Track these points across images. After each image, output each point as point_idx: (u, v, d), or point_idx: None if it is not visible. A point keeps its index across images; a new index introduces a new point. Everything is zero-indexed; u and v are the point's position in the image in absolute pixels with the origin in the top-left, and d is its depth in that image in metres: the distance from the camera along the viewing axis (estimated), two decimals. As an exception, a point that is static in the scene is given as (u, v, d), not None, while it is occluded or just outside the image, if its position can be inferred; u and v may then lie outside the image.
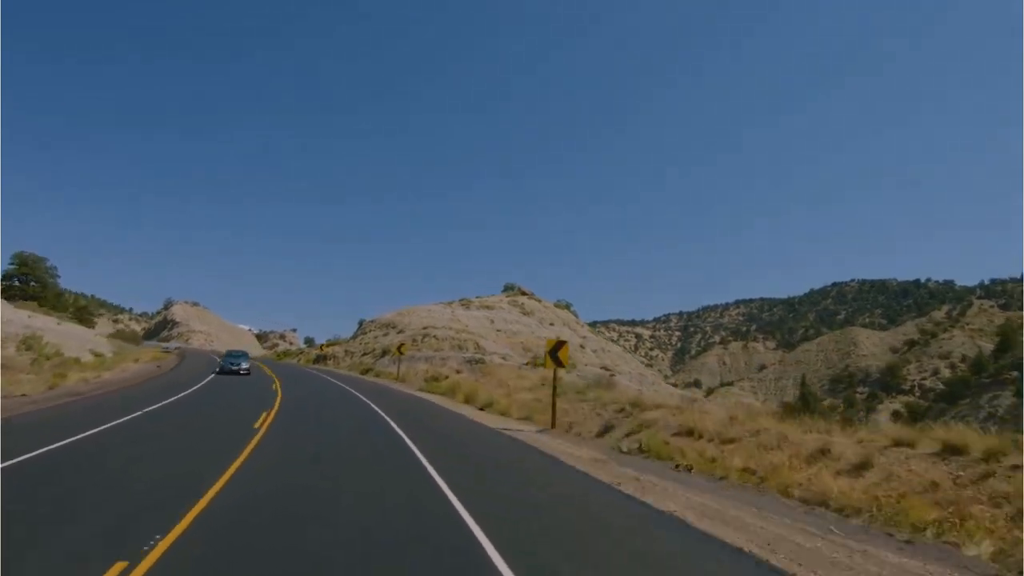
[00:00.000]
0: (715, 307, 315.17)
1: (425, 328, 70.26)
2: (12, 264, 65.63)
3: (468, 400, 26.72)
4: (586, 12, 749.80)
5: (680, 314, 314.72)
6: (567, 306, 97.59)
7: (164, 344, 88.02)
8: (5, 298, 63.57)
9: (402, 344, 41.99)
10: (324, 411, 19.92)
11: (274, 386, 29.03)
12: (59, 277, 69.89)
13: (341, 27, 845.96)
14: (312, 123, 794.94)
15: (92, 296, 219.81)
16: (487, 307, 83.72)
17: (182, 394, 22.79)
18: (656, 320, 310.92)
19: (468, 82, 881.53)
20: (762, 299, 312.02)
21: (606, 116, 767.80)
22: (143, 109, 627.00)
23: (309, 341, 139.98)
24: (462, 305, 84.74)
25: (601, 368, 50.99)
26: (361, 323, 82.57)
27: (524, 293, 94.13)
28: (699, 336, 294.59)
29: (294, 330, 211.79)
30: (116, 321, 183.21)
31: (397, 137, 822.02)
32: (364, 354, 67.78)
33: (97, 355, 41.72)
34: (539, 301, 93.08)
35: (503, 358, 50.60)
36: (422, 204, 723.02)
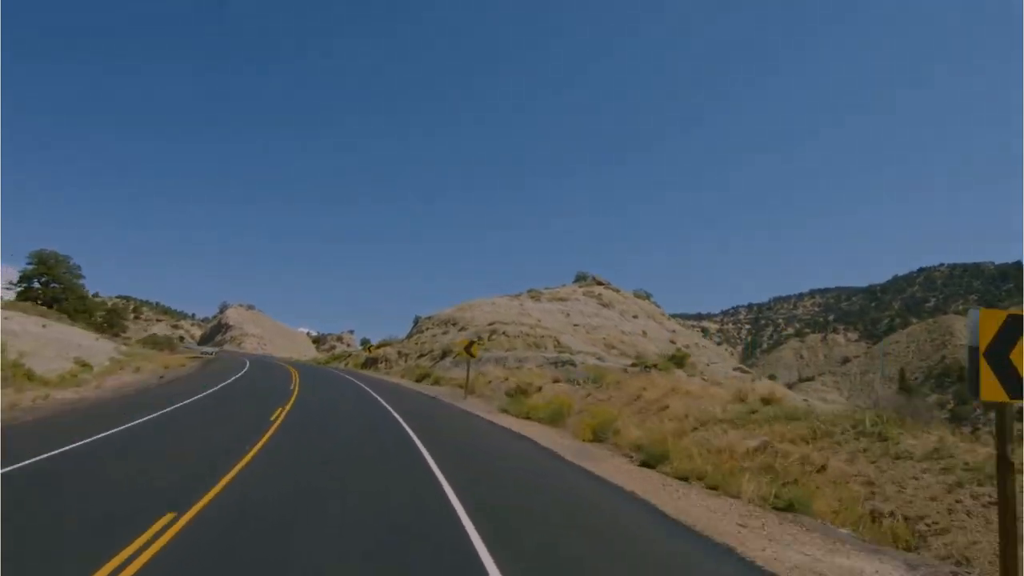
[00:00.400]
0: (787, 298, 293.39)
1: (491, 324, 58.86)
2: (30, 263, 57.76)
3: (598, 435, 14.86)
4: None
5: (749, 306, 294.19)
6: (647, 296, 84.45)
7: (206, 349, 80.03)
8: (22, 301, 55.83)
9: (472, 343, 30.49)
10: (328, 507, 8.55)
11: (274, 416, 17.87)
12: (83, 277, 61.96)
13: (407, 21, 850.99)
14: (364, 123, 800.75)
15: (157, 303, 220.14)
16: (560, 299, 71.66)
17: (85, 440, 11.78)
18: (724, 313, 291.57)
19: (516, 81, 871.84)
20: (839, 288, 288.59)
21: (668, 114, 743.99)
22: (195, 114, 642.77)
23: (365, 342, 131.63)
24: (531, 297, 72.96)
25: (740, 371, 38.02)
26: (417, 320, 71.81)
27: (600, 282, 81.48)
28: (771, 329, 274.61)
29: (351, 332, 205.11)
30: (176, 327, 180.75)
31: (440, 138, 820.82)
32: (420, 355, 56.97)
33: (83, 365, 32.13)
34: (617, 291, 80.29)
35: (598, 359, 38.52)
36: (476, 203, 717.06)
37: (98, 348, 38.84)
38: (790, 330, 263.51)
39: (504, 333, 53.18)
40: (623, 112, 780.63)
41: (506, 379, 30.77)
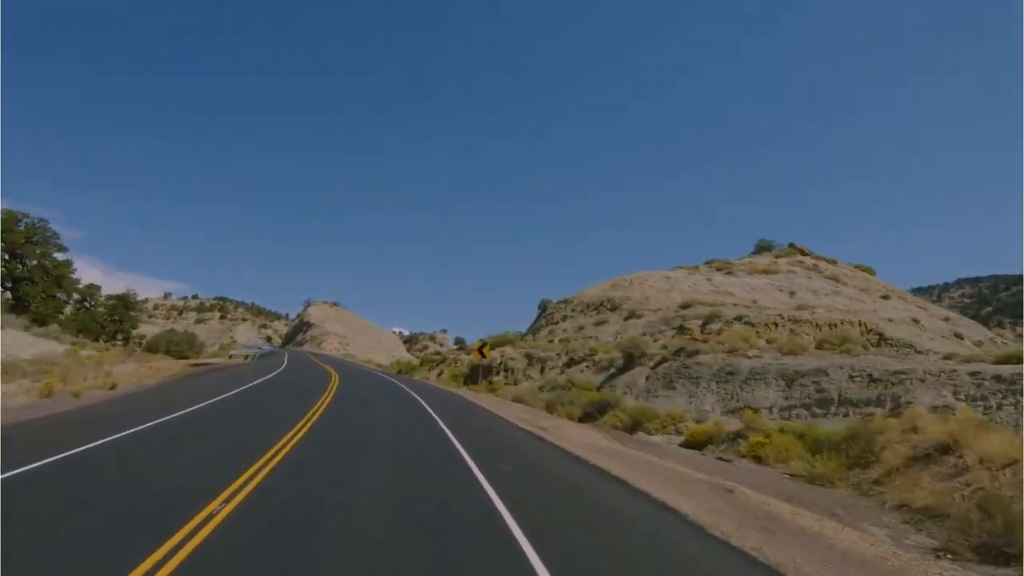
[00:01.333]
0: (929, 288, 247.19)
1: (686, 305, 32.92)
2: (-17, 227, 37.25)
3: None
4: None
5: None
6: (872, 271, 55.50)
7: (259, 348, 59.49)
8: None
9: None
10: None
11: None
12: (67, 250, 41.05)
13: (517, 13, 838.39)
14: (471, 123, 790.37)
15: (252, 304, 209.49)
16: (765, 272, 44.69)
17: None
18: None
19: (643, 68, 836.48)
20: (993, 276, 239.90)
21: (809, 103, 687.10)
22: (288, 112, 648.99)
23: (460, 342, 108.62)
24: (716, 269, 46.33)
25: None
26: (544, 307, 46.80)
27: (804, 252, 53.68)
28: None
29: (444, 331, 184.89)
30: (264, 327, 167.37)
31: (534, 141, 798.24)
32: (570, 361, 31.85)
33: None
34: (834, 263, 52.15)
35: None
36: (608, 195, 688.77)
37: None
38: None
39: (739, 318, 27.08)
40: (775, 97, 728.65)
41: None
